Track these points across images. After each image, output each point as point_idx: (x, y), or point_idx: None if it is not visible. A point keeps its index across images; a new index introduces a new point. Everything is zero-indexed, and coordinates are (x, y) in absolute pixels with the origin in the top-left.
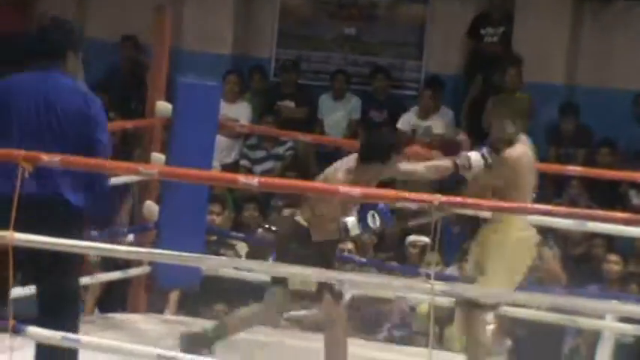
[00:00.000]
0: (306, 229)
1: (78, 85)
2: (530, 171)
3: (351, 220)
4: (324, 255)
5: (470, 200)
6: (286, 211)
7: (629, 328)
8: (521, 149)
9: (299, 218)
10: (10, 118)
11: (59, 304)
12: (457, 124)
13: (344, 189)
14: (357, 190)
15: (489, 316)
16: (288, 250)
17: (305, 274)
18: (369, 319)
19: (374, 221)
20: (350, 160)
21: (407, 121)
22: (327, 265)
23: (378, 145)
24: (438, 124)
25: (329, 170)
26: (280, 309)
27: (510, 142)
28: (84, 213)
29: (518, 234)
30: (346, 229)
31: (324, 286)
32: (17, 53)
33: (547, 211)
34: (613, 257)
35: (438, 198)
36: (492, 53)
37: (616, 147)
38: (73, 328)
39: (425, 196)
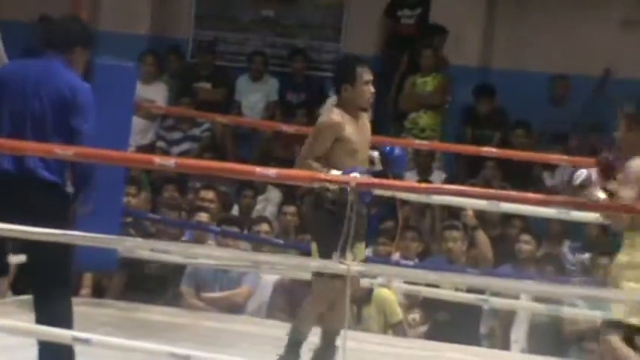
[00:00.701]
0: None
1: (71, 76)
2: None
3: (376, 154)
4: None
5: (386, 181)
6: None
7: (542, 308)
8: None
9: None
10: (3, 102)
11: (46, 275)
12: (377, 105)
13: (260, 170)
14: (272, 171)
15: None
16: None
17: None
18: (296, 301)
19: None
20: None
21: (330, 103)
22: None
23: (336, 72)
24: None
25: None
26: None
27: None
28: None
29: None
30: (372, 162)
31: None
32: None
33: (461, 192)
34: (525, 237)
35: (355, 179)
36: (409, 34)
37: (531, 129)
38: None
39: (341, 177)
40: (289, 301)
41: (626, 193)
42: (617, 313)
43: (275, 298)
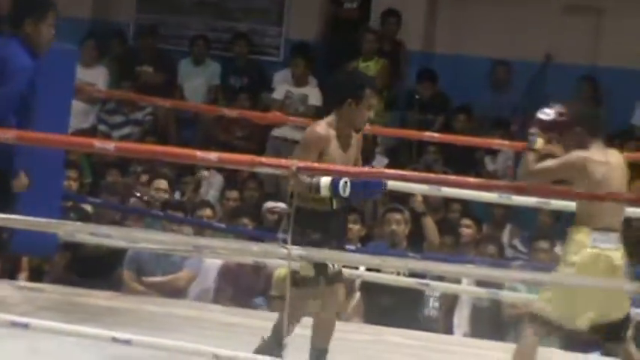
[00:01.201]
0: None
1: (12, 46)
2: None
3: (324, 180)
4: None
5: (326, 166)
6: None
7: (484, 292)
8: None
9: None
10: None
11: None
12: (320, 90)
13: (201, 154)
14: (213, 155)
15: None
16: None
17: None
18: (242, 286)
19: (344, 189)
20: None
21: (281, 89)
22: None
23: (345, 83)
24: (316, 94)
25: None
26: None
27: None
28: None
29: None
30: (317, 188)
31: (319, 271)
32: None
33: (402, 177)
34: (467, 221)
35: (295, 164)
36: (352, 19)
37: (472, 113)
38: None
39: (282, 162)
40: (235, 285)
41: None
42: (539, 305)
43: (220, 283)
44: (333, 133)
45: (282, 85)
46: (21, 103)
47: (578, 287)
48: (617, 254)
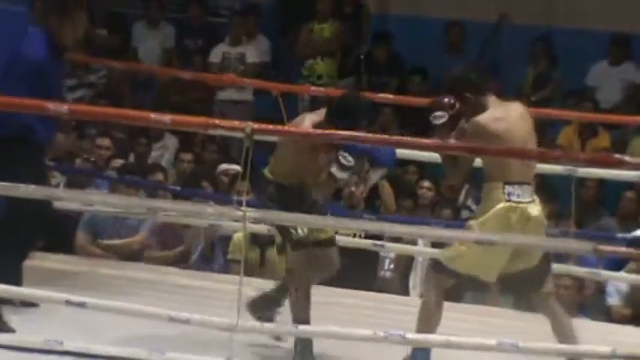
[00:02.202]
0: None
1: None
2: None
3: (333, 170)
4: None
5: (282, 128)
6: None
7: (439, 253)
8: None
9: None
10: None
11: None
12: (274, 53)
13: (155, 116)
14: (167, 117)
15: None
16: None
17: None
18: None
19: (346, 160)
20: (320, 114)
21: (218, 51)
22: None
23: (350, 110)
24: (253, 52)
25: (297, 118)
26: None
27: None
28: None
29: None
30: (334, 179)
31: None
32: None
33: (356, 138)
34: (426, 183)
35: (250, 125)
36: None
37: (427, 75)
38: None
39: (236, 124)
40: (162, 242)
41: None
42: (448, 256)
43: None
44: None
45: (219, 47)
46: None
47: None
48: (532, 207)
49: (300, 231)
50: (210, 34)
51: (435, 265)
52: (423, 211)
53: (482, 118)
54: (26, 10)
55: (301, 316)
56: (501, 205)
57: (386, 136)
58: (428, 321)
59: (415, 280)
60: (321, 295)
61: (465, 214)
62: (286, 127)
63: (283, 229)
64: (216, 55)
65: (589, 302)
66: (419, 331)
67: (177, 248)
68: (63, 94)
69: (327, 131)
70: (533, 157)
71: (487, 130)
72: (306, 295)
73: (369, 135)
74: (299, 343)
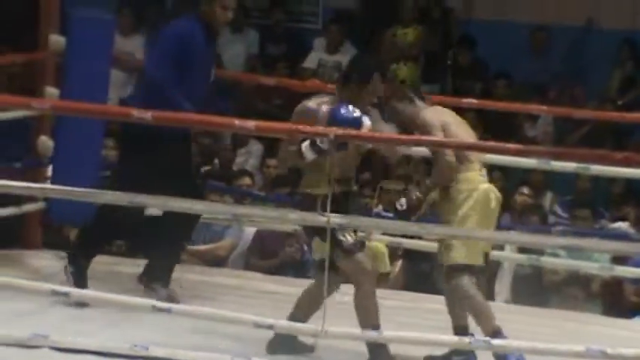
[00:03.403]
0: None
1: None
2: None
3: (304, 145)
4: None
5: (364, 133)
6: None
7: (525, 259)
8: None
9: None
10: None
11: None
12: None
13: (239, 122)
14: (251, 124)
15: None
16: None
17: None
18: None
19: (321, 142)
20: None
21: (314, 57)
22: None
23: (359, 65)
24: (347, 61)
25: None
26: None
27: None
28: None
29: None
30: (302, 156)
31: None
32: None
33: (439, 143)
34: (525, 190)
35: (334, 131)
36: None
37: (511, 80)
38: None
39: (320, 129)
40: (263, 250)
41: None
42: (460, 256)
43: (252, 248)
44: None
45: (315, 53)
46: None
47: (477, 226)
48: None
49: (348, 237)
50: (294, 39)
51: (451, 274)
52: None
53: (426, 112)
54: (113, 17)
55: (371, 321)
56: (484, 185)
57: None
58: (489, 320)
59: (501, 285)
60: (403, 300)
61: (552, 219)
62: (370, 133)
63: (334, 238)
64: (311, 61)
65: None
66: (486, 332)
67: (276, 257)
68: (210, 78)
69: (410, 137)
70: (619, 162)
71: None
72: (372, 298)
73: (454, 140)
74: (374, 348)
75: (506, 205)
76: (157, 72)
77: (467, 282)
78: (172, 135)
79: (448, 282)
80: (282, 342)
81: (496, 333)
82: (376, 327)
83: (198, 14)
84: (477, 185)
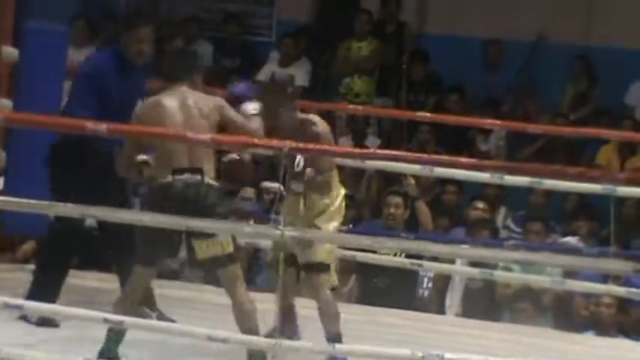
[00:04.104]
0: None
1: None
2: None
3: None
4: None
5: (317, 146)
6: None
7: (477, 273)
8: None
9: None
10: None
11: None
12: (312, 70)
13: (194, 136)
14: (207, 136)
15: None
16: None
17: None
18: None
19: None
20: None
21: (267, 70)
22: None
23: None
24: (300, 75)
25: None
26: None
27: None
28: None
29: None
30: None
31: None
32: None
33: (394, 157)
34: (479, 204)
35: (288, 144)
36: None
37: (465, 94)
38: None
39: (274, 143)
40: None
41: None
42: (320, 254)
43: None
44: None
45: (268, 66)
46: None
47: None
48: None
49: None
50: (248, 52)
51: (316, 267)
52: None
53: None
54: (66, 29)
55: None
56: (343, 191)
57: (423, 155)
58: (338, 318)
59: (452, 299)
60: (360, 313)
61: (504, 233)
62: (322, 145)
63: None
64: (264, 74)
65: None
66: (333, 330)
67: None
68: (130, 108)
69: (373, 151)
70: (572, 177)
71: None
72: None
73: (407, 154)
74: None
75: (459, 220)
76: (74, 109)
77: (326, 280)
78: (97, 148)
79: (309, 279)
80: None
81: (339, 337)
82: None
83: (115, 48)
84: (339, 190)
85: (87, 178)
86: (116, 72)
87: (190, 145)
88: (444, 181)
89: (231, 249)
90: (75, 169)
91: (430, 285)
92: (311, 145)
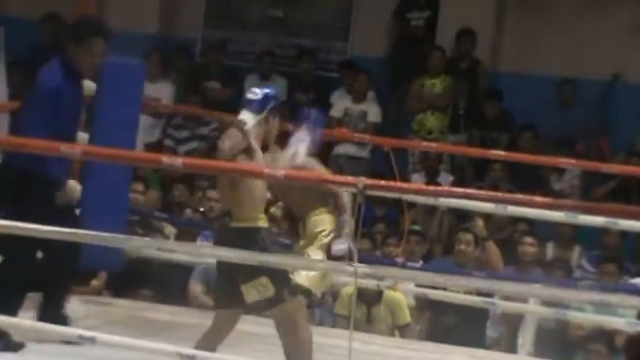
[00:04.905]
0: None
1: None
2: None
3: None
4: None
5: (394, 184)
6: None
7: (550, 312)
8: None
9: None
10: None
11: None
12: (385, 106)
13: (267, 171)
14: (280, 172)
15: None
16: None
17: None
18: None
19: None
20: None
21: (341, 106)
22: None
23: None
24: (373, 110)
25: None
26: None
27: None
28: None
29: None
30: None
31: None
32: None
33: (468, 195)
34: (528, 239)
35: (363, 181)
36: (418, 36)
37: (538, 132)
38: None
39: (349, 179)
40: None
41: None
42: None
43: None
44: None
45: (340, 102)
46: (61, 122)
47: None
48: None
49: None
50: (321, 87)
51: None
52: (528, 267)
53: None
54: (143, 63)
55: None
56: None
57: (497, 194)
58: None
59: (525, 338)
60: (432, 351)
61: (578, 273)
62: (398, 183)
63: (284, 278)
64: (338, 110)
65: None
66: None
67: None
68: (79, 121)
69: (446, 189)
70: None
71: None
72: (310, 339)
73: (481, 192)
74: None
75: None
76: (37, 129)
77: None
78: (46, 174)
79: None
80: None
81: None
82: None
83: (63, 60)
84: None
85: (31, 202)
86: (71, 85)
87: None
88: (514, 220)
89: (270, 293)
90: (20, 193)
91: (498, 323)
92: (384, 182)
